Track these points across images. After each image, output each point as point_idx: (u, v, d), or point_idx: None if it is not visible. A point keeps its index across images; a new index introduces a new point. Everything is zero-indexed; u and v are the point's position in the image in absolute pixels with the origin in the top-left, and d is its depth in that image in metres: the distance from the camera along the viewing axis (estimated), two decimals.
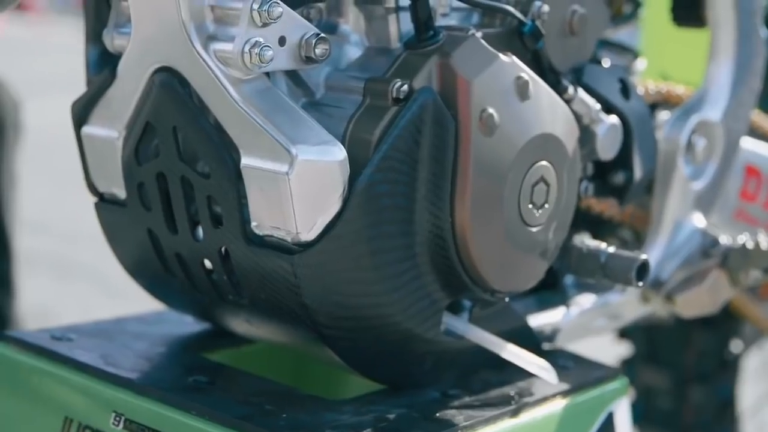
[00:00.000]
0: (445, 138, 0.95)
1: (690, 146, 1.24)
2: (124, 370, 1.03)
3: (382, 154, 0.92)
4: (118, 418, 0.99)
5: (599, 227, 1.30)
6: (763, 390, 1.98)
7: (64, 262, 3.90)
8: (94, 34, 1.09)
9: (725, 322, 1.67)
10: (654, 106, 1.29)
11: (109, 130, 1.03)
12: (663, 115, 1.28)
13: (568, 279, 1.24)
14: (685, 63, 1.58)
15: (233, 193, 0.94)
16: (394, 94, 0.94)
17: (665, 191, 1.24)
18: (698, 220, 1.26)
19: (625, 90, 1.15)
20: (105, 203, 1.08)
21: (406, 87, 0.94)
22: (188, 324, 1.18)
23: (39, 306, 3.11)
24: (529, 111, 0.99)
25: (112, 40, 1.02)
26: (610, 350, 1.79)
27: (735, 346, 1.78)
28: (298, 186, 0.90)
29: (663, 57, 1.60)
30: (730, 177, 1.31)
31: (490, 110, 0.96)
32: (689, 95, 1.30)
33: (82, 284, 3.68)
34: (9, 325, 2.14)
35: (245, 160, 0.92)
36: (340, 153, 0.91)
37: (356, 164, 0.92)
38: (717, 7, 1.26)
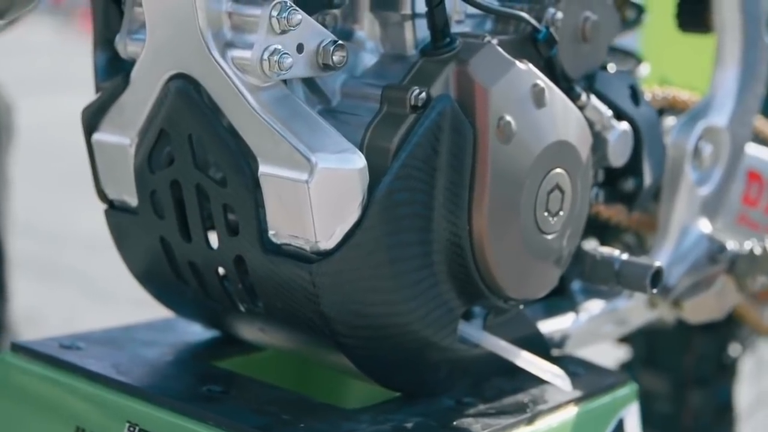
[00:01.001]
0: (462, 146, 0.95)
1: (697, 152, 1.24)
2: (137, 379, 1.02)
3: (401, 162, 0.92)
4: (132, 428, 0.98)
5: (603, 232, 1.30)
6: (758, 392, 1.99)
7: (50, 264, 3.88)
8: (103, 40, 1.08)
9: (724, 326, 1.67)
10: (660, 112, 1.29)
11: (120, 137, 1.02)
12: (669, 121, 1.28)
13: (575, 285, 1.24)
14: (684, 67, 1.59)
15: (250, 202, 0.93)
16: (412, 102, 0.93)
17: (672, 197, 1.24)
18: (704, 225, 1.26)
19: (635, 96, 1.16)
20: (115, 210, 1.07)
21: (424, 94, 0.93)
22: (197, 331, 1.17)
23: (25, 309, 3.09)
24: (545, 118, 0.99)
25: (125, 47, 1.01)
26: (609, 354, 1.79)
27: (733, 349, 1.78)
28: (317, 194, 0.89)
29: (662, 61, 1.61)
30: (735, 182, 1.31)
31: (508, 118, 0.96)
32: (694, 101, 1.30)
33: (68, 287, 3.66)
34: (3, 330, 2.12)
35: (263, 168, 0.92)
36: (359, 161, 0.91)
37: (374, 172, 0.92)
38: (724, 13, 1.26)
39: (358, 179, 0.91)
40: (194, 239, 0.99)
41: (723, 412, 1.77)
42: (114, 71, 1.08)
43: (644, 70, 1.32)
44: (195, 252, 1.00)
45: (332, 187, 0.90)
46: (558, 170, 1.01)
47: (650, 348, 1.77)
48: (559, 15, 1.05)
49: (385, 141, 0.93)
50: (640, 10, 1.32)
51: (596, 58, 1.11)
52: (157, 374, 1.05)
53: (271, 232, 0.94)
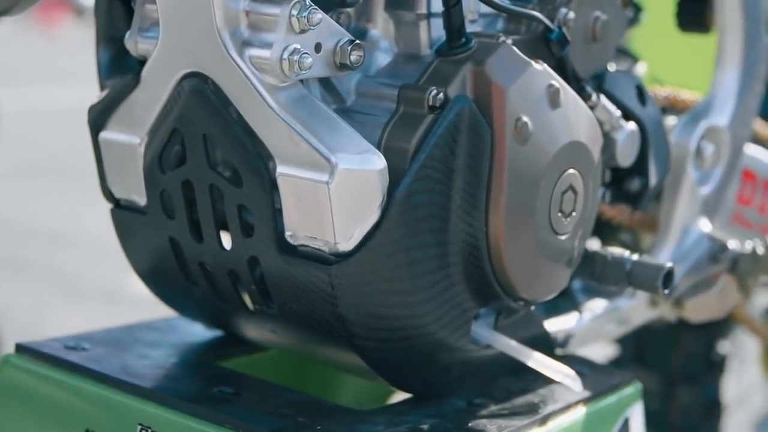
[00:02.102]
0: (480, 147, 0.94)
1: (699, 152, 1.24)
2: (146, 380, 1.01)
3: (421, 163, 0.91)
4: (144, 431, 0.97)
5: (599, 231, 1.30)
6: (740, 390, 2.01)
7: (15, 258, 3.84)
8: (106, 37, 1.07)
9: (712, 324, 1.68)
10: (662, 112, 1.29)
11: (130, 136, 1.01)
12: (670, 121, 1.29)
13: (575, 284, 1.24)
14: (674, 66, 1.59)
15: (267, 203, 0.92)
16: (430, 102, 0.93)
17: (674, 196, 1.24)
18: (705, 225, 1.26)
19: (642, 96, 1.16)
20: (122, 210, 1.05)
21: (442, 95, 0.93)
22: (199, 332, 1.16)
23: None
24: (559, 119, 0.99)
25: (136, 45, 0.99)
26: (597, 352, 1.80)
27: (721, 346, 1.79)
28: (337, 195, 0.89)
29: (651, 60, 1.61)
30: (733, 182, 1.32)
31: (525, 118, 0.95)
32: (694, 100, 1.31)
33: (35, 281, 3.62)
34: None
35: (281, 169, 0.91)
36: (380, 162, 0.90)
37: (392, 173, 0.91)
38: (725, 13, 1.27)
39: (378, 180, 0.90)
40: (206, 240, 0.98)
41: (711, 410, 1.78)
42: (118, 69, 1.07)
43: (640, 69, 1.32)
44: (206, 252, 0.99)
45: (352, 189, 0.89)
46: (571, 171, 1.01)
47: (639, 345, 1.78)
48: (571, 15, 1.05)
49: (403, 142, 0.92)
50: (638, 8, 1.33)
51: (605, 58, 1.11)
52: (166, 376, 1.04)
53: (287, 233, 0.93)
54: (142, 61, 1.01)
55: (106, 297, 3.35)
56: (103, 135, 1.03)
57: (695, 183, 1.25)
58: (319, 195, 0.89)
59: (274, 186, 0.92)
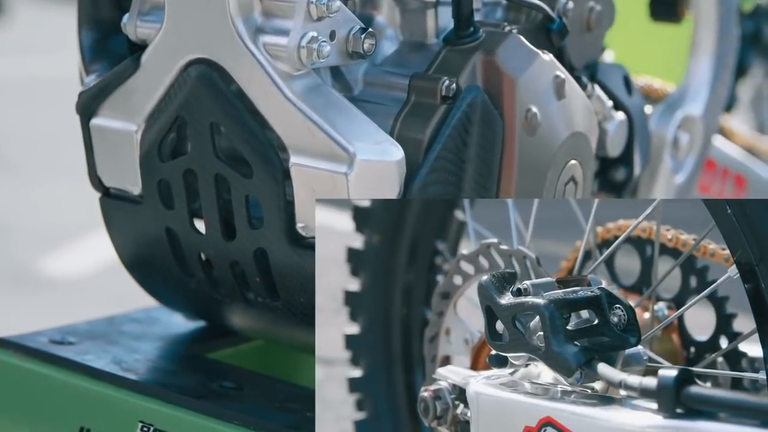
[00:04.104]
0: (491, 137, 0.93)
1: (675, 141, 1.26)
2: (143, 375, 0.98)
3: (436, 154, 0.90)
4: (146, 428, 0.94)
5: None
6: None
7: None
8: (89, 20, 1.04)
9: None
10: None
11: (125, 123, 0.98)
12: (646, 110, 1.29)
13: None
14: (631, 53, 1.60)
15: (278, 193, 0.90)
16: (443, 92, 0.92)
17: (650, 185, 1.25)
18: None
19: (628, 86, 1.16)
20: (111, 199, 1.02)
21: (454, 85, 0.92)
22: (180, 322, 1.13)
23: None
24: (564, 110, 0.99)
25: (135, 29, 0.96)
26: None
27: None
28: (356, 187, 0.87)
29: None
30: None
31: (534, 109, 0.95)
32: (667, 89, 1.31)
33: None
34: None
35: (295, 159, 0.89)
36: (398, 152, 0.89)
37: (407, 164, 0.90)
38: (700, 3, 1.28)
39: (396, 171, 0.89)
40: (208, 231, 0.96)
41: None
42: (102, 52, 1.03)
43: (608, 57, 1.32)
44: (207, 244, 0.96)
45: (371, 179, 0.88)
46: (573, 162, 1.01)
47: None
48: (571, 5, 1.05)
49: (417, 132, 0.91)
50: None
51: (597, 48, 1.11)
52: (160, 370, 1.01)
53: (299, 225, 0.91)
54: (132, 45, 0.98)
55: (18, 281, 3.27)
56: (95, 121, 1.00)
57: (671, 172, 1.26)
58: (337, 186, 0.87)
59: (285, 176, 0.90)
